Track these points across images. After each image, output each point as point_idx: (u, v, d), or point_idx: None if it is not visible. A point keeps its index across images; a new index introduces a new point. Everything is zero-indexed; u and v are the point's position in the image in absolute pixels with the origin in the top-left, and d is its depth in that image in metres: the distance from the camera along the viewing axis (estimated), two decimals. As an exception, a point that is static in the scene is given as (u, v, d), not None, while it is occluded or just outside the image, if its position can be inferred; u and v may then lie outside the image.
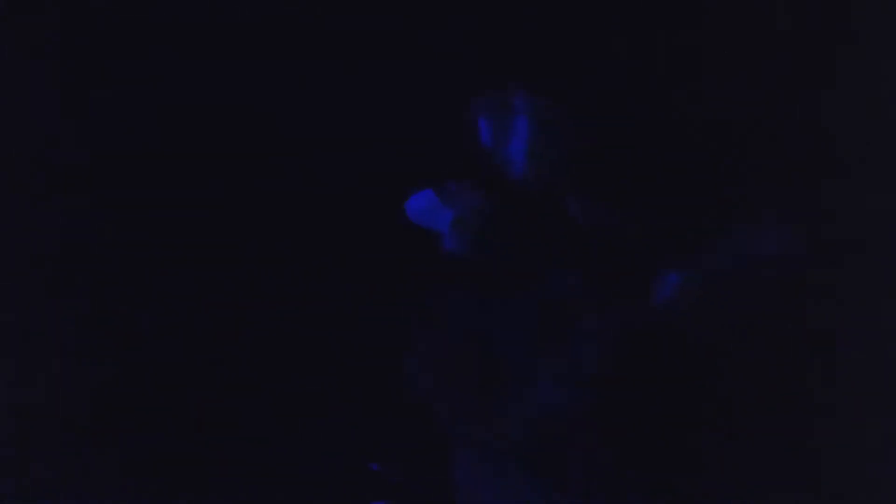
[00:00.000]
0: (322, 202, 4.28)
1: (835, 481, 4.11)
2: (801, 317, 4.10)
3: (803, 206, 3.32)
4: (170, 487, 4.29)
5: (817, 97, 4.20)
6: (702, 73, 4.22)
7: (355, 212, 4.21)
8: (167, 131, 4.35)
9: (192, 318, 4.36)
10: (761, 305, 3.95)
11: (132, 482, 4.30)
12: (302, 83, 4.30)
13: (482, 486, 3.26)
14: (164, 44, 4.34)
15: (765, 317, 4.00)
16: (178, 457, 4.33)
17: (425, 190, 3.34)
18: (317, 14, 4.32)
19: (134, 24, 4.34)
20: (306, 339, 4.32)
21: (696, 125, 4.18)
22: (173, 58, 4.33)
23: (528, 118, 3.27)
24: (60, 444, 4.30)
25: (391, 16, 3.38)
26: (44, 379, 4.31)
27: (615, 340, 3.25)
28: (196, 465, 4.31)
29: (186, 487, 4.29)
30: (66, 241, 4.34)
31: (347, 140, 4.17)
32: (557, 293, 3.26)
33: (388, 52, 4.17)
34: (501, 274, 3.24)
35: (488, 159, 3.26)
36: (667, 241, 3.32)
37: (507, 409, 3.16)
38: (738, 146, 4.19)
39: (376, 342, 3.89)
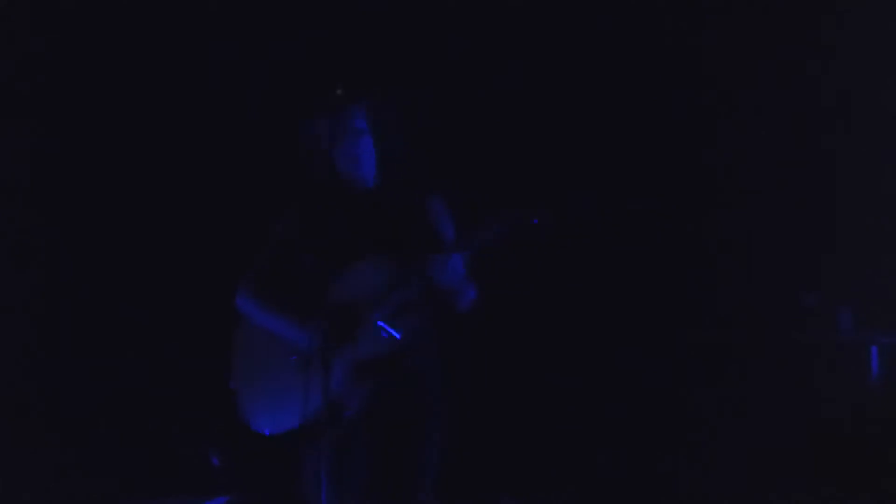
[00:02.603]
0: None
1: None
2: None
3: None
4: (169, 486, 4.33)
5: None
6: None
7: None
8: (167, 131, 4.38)
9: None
10: None
11: (132, 481, 4.33)
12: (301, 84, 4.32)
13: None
14: (164, 46, 4.37)
15: None
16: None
17: None
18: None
19: (134, 25, 4.36)
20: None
21: None
22: (173, 57, 4.36)
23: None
24: (60, 445, 4.33)
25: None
26: (43, 379, 4.34)
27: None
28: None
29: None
30: (65, 240, 4.37)
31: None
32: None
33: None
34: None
35: None
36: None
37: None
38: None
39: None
